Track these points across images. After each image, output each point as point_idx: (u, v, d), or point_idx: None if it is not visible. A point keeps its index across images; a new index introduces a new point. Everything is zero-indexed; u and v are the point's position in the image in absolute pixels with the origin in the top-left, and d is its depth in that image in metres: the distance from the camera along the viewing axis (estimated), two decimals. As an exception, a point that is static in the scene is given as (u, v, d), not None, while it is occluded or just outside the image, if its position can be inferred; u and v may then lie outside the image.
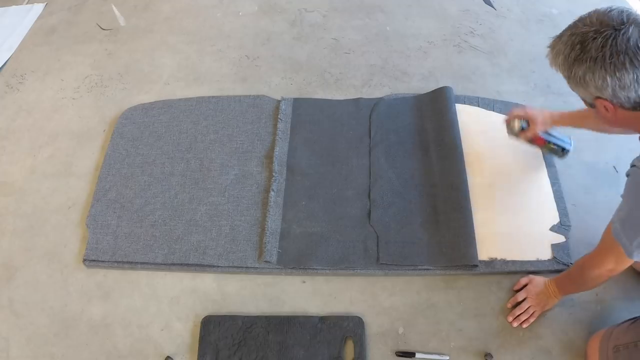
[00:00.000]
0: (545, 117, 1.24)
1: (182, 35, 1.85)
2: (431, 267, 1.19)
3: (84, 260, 1.26)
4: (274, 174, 1.36)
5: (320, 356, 1.09)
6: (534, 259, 1.20)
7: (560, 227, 1.24)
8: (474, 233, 1.21)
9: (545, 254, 1.20)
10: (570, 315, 1.13)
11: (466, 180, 1.30)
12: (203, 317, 1.16)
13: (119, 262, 1.25)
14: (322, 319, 1.14)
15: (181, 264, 1.24)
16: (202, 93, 1.62)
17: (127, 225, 1.31)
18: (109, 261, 1.26)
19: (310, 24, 1.85)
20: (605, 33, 0.78)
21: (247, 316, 1.16)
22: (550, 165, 1.35)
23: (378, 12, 1.88)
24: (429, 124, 1.45)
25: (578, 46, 0.81)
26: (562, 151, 1.28)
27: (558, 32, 0.89)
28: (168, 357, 1.12)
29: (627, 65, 0.76)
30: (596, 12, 0.83)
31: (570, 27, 0.86)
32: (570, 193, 1.31)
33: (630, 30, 0.77)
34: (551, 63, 0.90)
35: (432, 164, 1.36)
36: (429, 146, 1.40)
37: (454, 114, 1.44)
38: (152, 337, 1.16)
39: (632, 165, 0.85)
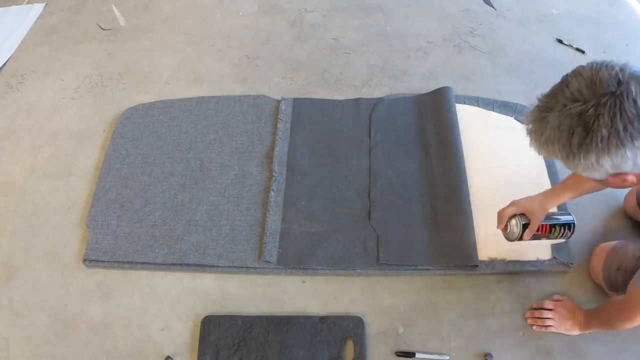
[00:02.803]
0: (540, 202, 1.09)
1: (182, 35, 1.85)
2: (431, 267, 1.19)
3: (84, 260, 1.26)
4: (274, 174, 1.36)
5: (320, 356, 1.09)
6: (534, 259, 1.20)
7: (560, 227, 1.24)
8: (474, 233, 1.21)
9: (546, 254, 1.20)
10: (570, 315, 1.13)
11: (466, 181, 1.30)
12: (203, 317, 1.16)
13: (119, 262, 1.25)
14: (322, 319, 1.14)
15: (181, 264, 1.24)
16: (202, 93, 1.62)
17: (127, 225, 1.31)
18: (109, 261, 1.26)
19: (310, 24, 1.85)
20: (608, 103, 0.65)
21: (247, 316, 1.16)
22: (550, 166, 1.35)
23: (378, 12, 1.88)
24: (429, 124, 1.45)
25: (580, 129, 0.67)
26: (569, 229, 1.11)
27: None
28: (168, 357, 1.12)
29: None
30: (580, 77, 0.69)
31: (553, 104, 0.70)
32: (570, 193, 1.31)
33: (632, 88, 0.65)
34: (539, 151, 0.75)
35: (432, 164, 1.36)
36: (429, 146, 1.40)
37: (454, 114, 1.44)
38: (152, 337, 1.16)
39: None
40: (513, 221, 1.09)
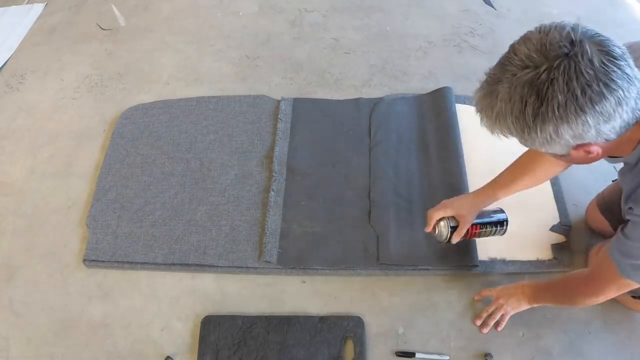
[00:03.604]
0: (469, 204, 1.07)
1: (182, 35, 1.85)
2: (431, 267, 1.19)
3: (84, 260, 1.26)
4: (274, 174, 1.36)
5: (320, 356, 1.09)
6: (534, 259, 1.20)
7: (561, 227, 1.24)
8: (474, 233, 1.21)
9: (546, 254, 1.20)
10: (570, 315, 1.13)
11: (466, 181, 1.30)
12: (203, 317, 1.16)
13: (119, 262, 1.25)
14: (322, 319, 1.14)
15: (181, 264, 1.24)
16: (202, 93, 1.62)
17: (127, 225, 1.31)
18: (109, 261, 1.26)
19: (310, 24, 1.85)
20: (562, 66, 0.59)
21: (247, 316, 1.16)
22: (550, 165, 1.35)
23: (378, 12, 1.88)
24: (429, 124, 1.45)
25: (533, 98, 0.61)
26: (502, 226, 1.12)
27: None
28: (168, 357, 1.12)
29: (605, 91, 0.59)
30: (529, 42, 0.62)
31: (502, 75, 0.64)
32: (570, 193, 1.31)
33: (587, 47, 0.59)
34: (492, 129, 0.68)
35: (432, 164, 1.36)
36: (429, 146, 1.40)
37: (454, 114, 1.44)
38: (152, 337, 1.16)
39: None
40: (442, 223, 1.09)
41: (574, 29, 0.61)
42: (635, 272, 0.78)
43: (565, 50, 0.60)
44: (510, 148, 1.37)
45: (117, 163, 1.44)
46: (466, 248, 1.19)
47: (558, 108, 0.60)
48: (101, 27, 1.92)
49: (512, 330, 1.11)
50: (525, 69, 0.62)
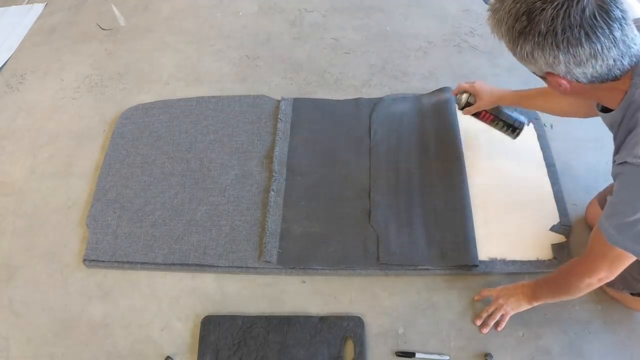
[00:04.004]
0: (492, 94, 1.21)
1: (182, 35, 1.85)
2: (431, 267, 1.19)
3: (84, 260, 1.26)
4: (274, 174, 1.36)
5: (320, 356, 1.09)
6: (534, 259, 1.20)
7: (561, 227, 1.24)
8: (474, 233, 1.21)
9: (546, 254, 1.20)
10: (570, 315, 1.13)
11: (466, 180, 1.30)
12: (203, 317, 1.16)
13: (119, 262, 1.25)
14: (322, 319, 1.14)
15: (181, 264, 1.24)
16: (202, 93, 1.62)
17: (127, 225, 1.31)
18: (109, 261, 1.26)
19: (310, 24, 1.85)
20: (556, 2, 0.66)
21: (247, 316, 1.16)
22: (550, 165, 1.35)
23: (378, 12, 1.88)
24: (429, 124, 1.45)
25: (524, 17, 0.69)
26: (513, 131, 1.26)
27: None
28: (168, 357, 1.12)
29: (583, 40, 0.67)
30: None
31: None
32: (570, 193, 1.31)
33: None
34: (492, 30, 0.78)
35: (432, 164, 1.36)
36: (429, 146, 1.40)
37: (453, 114, 1.44)
38: (152, 337, 1.16)
39: (623, 162, 0.74)
40: (464, 95, 1.25)
41: None
42: (620, 234, 0.76)
43: None
44: (510, 148, 1.38)
45: (117, 163, 1.44)
46: (466, 248, 1.19)
47: (538, 35, 0.69)
48: (101, 27, 1.92)
49: (512, 330, 1.11)
50: None
